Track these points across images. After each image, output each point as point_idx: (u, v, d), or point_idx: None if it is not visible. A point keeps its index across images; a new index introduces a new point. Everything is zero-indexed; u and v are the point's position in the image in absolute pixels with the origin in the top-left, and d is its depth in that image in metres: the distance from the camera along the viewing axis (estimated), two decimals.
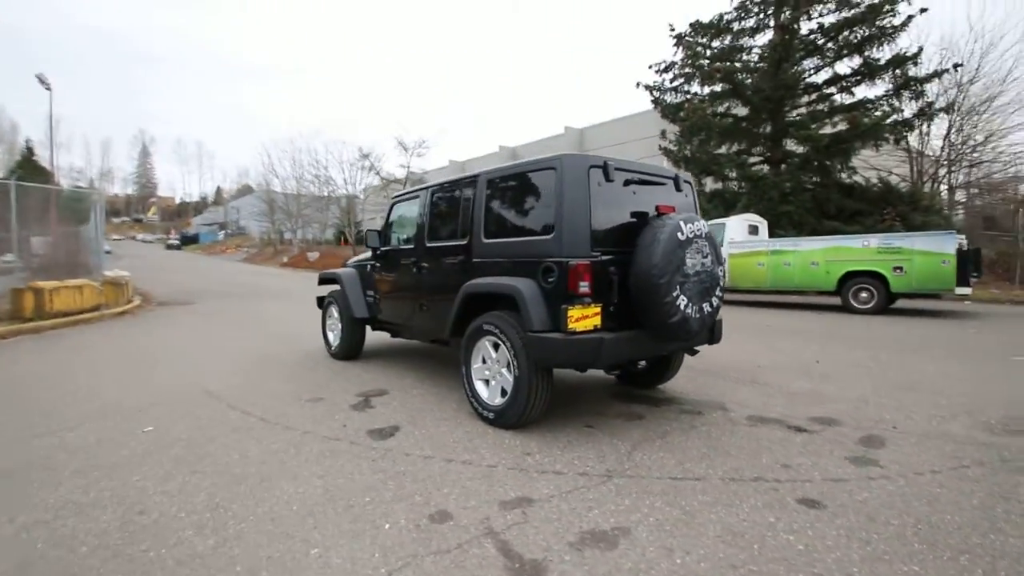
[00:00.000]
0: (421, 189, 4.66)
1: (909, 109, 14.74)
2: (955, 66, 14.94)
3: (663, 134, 18.64)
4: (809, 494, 2.57)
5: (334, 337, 5.88)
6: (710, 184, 18.24)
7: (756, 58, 17.66)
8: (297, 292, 15.60)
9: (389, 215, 5.11)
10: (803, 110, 16.47)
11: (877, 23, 14.87)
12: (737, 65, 16.99)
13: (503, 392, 3.52)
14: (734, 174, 16.68)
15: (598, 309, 3.14)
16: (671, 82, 18.95)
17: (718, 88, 17.04)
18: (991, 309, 10.83)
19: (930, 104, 14.74)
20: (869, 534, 2.21)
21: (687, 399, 4.21)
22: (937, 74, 14.69)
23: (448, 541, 2.17)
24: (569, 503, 2.48)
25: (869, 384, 4.67)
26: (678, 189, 3.77)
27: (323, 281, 6.21)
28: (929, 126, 16.81)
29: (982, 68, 17.18)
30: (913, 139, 17.86)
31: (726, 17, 18.08)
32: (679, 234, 3.18)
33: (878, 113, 14.63)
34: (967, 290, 8.55)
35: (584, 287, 3.08)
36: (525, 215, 3.50)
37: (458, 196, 4.11)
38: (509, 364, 3.40)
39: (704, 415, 3.80)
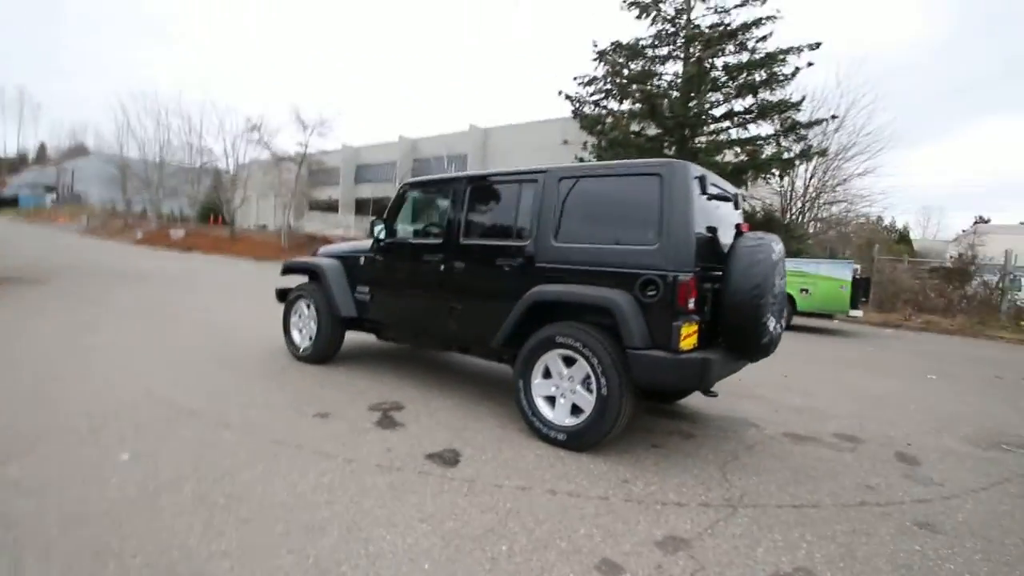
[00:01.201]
0: (452, 178, 4.16)
1: (794, 150, 16.89)
2: (832, 117, 17.48)
3: (585, 145, 19.24)
4: (917, 517, 2.67)
5: (302, 337, 5.06)
6: None
7: (666, 84, 19.00)
8: (176, 274, 13.47)
9: (399, 202, 4.49)
10: (707, 138, 18.06)
11: (772, 70, 16.80)
12: (654, 89, 18.11)
13: (573, 411, 3.24)
14: None
15: (696, 327, 3.02)
16: (591, 96, 19.65)
17: (636, 108, 18.01)
18: (861, 329, 12.74)
19: (809, 147, 17.06)
20: (1002, 554, 2.34)
21: (709, 414, 4.25)
22: (817, 122, 17.06)
23: None
24: (725, 541, 2.31)
25: (847, 400, 5.12)
26: (736, 207, 3.79)
27: (289, 271, 5.32)
28: (806, 166, 19.45)
29: (845, 121, 20.39)
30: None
31: (642, 42, 19.22)
32: (774, 255, 3.17)
33: (773, 150, 16.56)
34: (859, 312, 9.98)
35: (691, 304, 2.93)
36: (615, 222, 3.25)
37: (513, 191, 3.72)
38: (589, 381, 3.13)
39: (741, 432, 3.85)
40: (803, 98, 17.01)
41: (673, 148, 18.34)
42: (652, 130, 18.64)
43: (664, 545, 2.24)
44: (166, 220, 35.46)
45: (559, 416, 3.27)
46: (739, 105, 18.15)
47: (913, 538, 2.45)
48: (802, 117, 17.33)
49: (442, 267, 3.99)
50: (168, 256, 21.75)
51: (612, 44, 19.10)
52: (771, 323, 3.18)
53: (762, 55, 16.98)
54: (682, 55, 18.62)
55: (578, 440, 3.15)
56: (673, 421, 4.00)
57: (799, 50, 16.41)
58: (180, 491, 2.42)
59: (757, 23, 17.04)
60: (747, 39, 17.34)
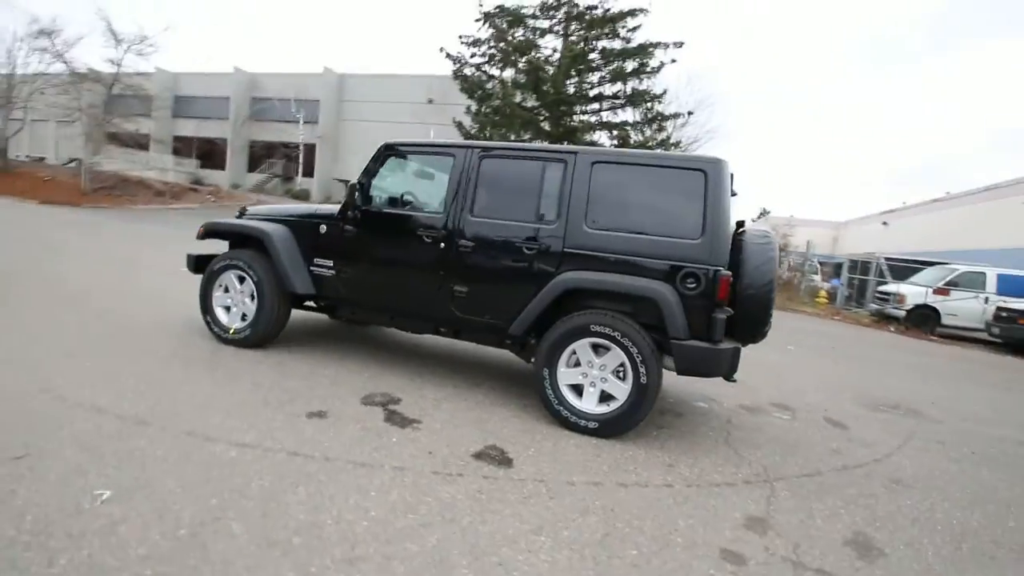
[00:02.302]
0: (457, 146, 3.74)
1: (657, 139, 18.58)
2: (689, 113, 19.57)
3: (468, 109, 18.75)
4: (885, 475, 3.26)
5: (232, 317, 4.21)
6: None
7: (545, 59, 19.34)
8: None
9: (378, 164, 3.91)
10: (583, 118, 18.93)
11: (642, 60, 18.12)
12: (538, 61, 18.29)
13: (602, 398, 3.26)
14: None
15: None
16: (472, 58, 19.15)
17: (520, 78, 18.04)
18: None
19: (668, 137, 18.95)
20: (960, 499, 3.00)
21: (669, 391, 4.57)
22: (676, 115, 18.95)
23: None
24: (789, 515, 2.57)
25: (754, 371, 5.94)
26: (734, 194, 4.02)
27: (212, 234, 4.34)
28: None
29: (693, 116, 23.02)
30: None
31: (523, 10, 19.19)
32: (776, 251, 3.50)
33: (638, 137, 18.03)
34: None
35: (727, 297, 3.11)
36: (654, 212, 3.25)
37: (534, 169, 3.50)
38: (623, 370, 3.17)
39: (710, 407, 4.26)
40: (664, 91, 18.72)
41: (547, 124, 18.91)
42: (530, 102, 18.92)
43: (751, 526, 2.42)
44: None
45: (588, 405, 3.27)
46: (609, 90, 19.31)
47: (899, 494, 3.00)
48: (661, 110, 19.12)
49: (442, 245, 3.62)
50: None
51: (497, 7, 18.72)
52: (773, 312, 3.53)
53: (635, 45, 18.18)
54: (562, 31, 19.06)
55: (611, 428, 3.19)
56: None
57: (666, 46, 17.91)
58: (231, 535, 1.89)
59: (632, 13, 18.12)
60: (621, 27, 18.38)
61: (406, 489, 2.36)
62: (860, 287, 16.87)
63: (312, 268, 4.07)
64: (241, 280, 4.18)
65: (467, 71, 19.15)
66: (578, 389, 3.32)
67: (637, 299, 3.17)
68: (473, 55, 19.11)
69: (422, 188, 4.06)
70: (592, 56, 18.58)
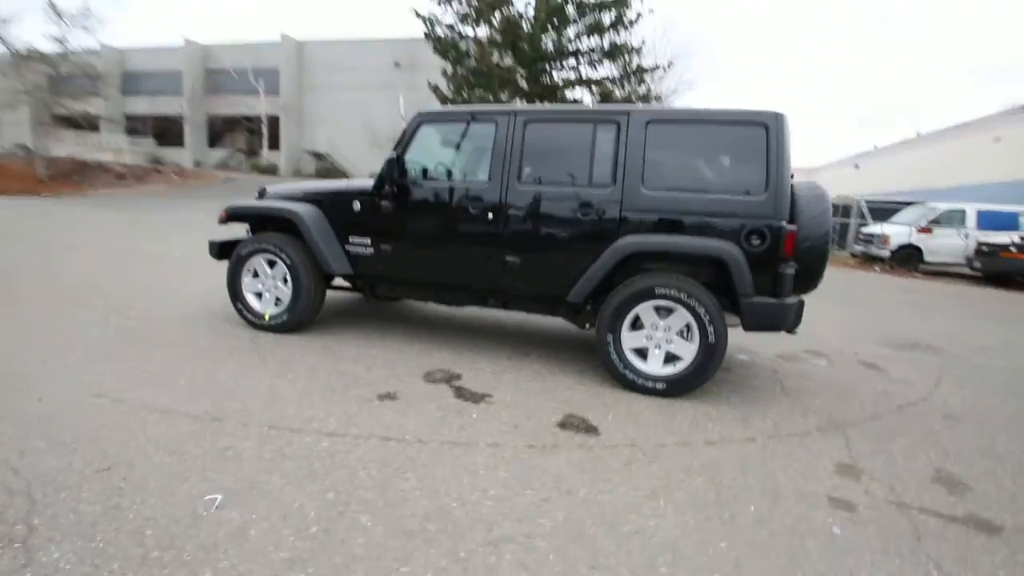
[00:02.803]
0: (498, 112, 3.57)
1: (638, 92, 18.30)
2: (668, 64, 19.26)
3: (444, 72, 18.07)
4: (937, 412, 3.39)
5: (265, 303, 4.06)
6: None
7: (518, 14, 18.66)
8: None
9: (412, 135, 3.72)
10: (563, 74, 18.48)
11: (619, 11, 17.63)
12: (514, 16, 17.61)
13: (667, 360, 3.28)
14: None
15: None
16: (444, 16, 18.35)
17: (496, 36, 17.39)
18: None
19: (649, 90, 18.70)
20: (1009, 431, 3.14)
21: None
22: (656, 68, 18.65)
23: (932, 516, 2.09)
24: (874, 460, 2.65)
25: None
26: None
27: (235, 218, 4.13)
28: None
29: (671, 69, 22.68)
30: None
31: None
32: (829, 203, 3.49)
33: (620, 92, 17.72)
34: None
35: (793, 252, 3.11)
36: (712, 170, 3.20)
37: (584, 132, 3.38)
38: (688, 331, 3.18)
39: (752, 359, 4.34)
40: (643, 42, 18.33)
41: (526, 82, 18.42)
42: (507, 61, 18.34)
43: (845, 473, 2.49)
44: None
45: (653, 367, 3.28)
46: (587, 45, 18.81)
47: (958, 430, 3.13)
48: (641, 63, 18.76)
49: (490, 215, 3.51)
50: None
51: None
52: None
53: None
54: None
55: (680, 387, 3.22)
56: None
57: None
58: (364, 528, 1.85)
59: None
60: None
61: (511, 465, 2.35)
62: (841, 230, 17.27)
63: (347, 247, 3.92)
64: (271, 264, 4.01)
65: (439, 31, 18.37)
66: (642, 352, 3.32)
67: (702, 259, 3.15)
68: (446, 13, 18.31)
69: (463, 157, 3.90)
70: (568, 9, 17.99)
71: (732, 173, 3.18)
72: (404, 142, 3.73)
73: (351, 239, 3.91)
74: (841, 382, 3.89)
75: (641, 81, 18.34)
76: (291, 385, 3.09)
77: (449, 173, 3.84)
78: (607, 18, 17.70)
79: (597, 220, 3.32)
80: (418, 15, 18.15)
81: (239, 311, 4.10)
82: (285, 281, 3.98)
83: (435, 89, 18.75)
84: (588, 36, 18.36)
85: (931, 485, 2.44)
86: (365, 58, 30.41)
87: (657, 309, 3.24)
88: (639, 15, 17.89)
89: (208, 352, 3.56)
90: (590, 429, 2.77)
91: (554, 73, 18.57)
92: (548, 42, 17.78)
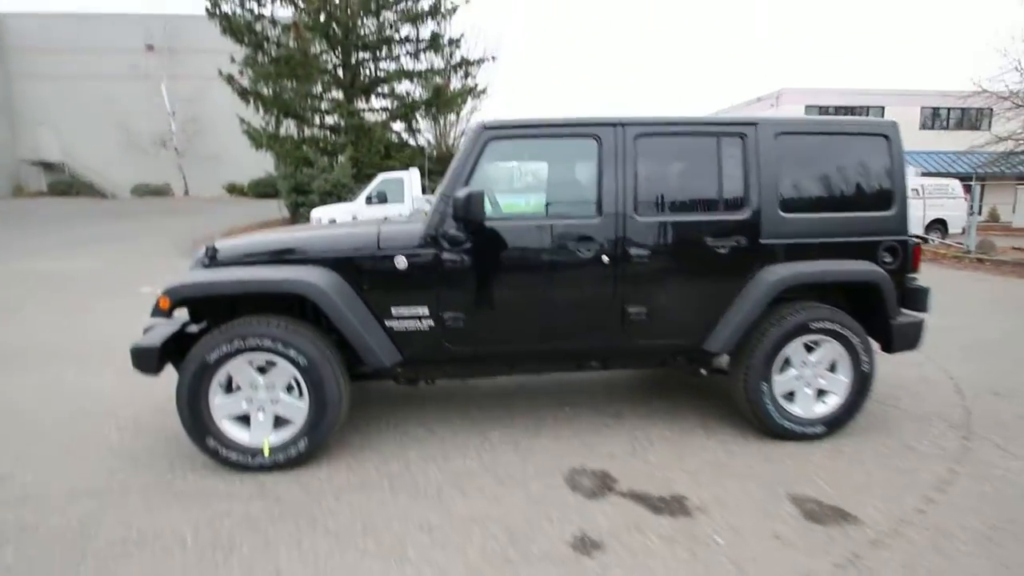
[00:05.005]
0: (599, 124, 2.70)
1: (467, 85, 17.77)
2: (492, 58, 18.98)
3: (244, 60, 14.96)
4: None
5: (258, 429, 2.57)
6: (292, 128, 16.33)
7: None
8: None
9: (477, 157, 2.64)
10: (385, 66, 16.96)
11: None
12: None
13: (816, 396, 2.97)
14: (332, 120, 15.60)
15: None
16: None
17: (306, 19, 15.03)
18: None
19: (476, 84, 18.33)
20: None
21: None
22: (482, 60, 18.27)
23: None
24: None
25: None
26: None
27: (188, 302, 2.50)
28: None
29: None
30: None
31: None
32: None
33: (457, 86, 17.00)
34: None
35: (919, 266, 3.06)
36: (841, 185, 2.92)
37: (705, 147, 2.78)
38: (841, 365, 2.91)
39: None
40: (462, 35, 17.89)
41: (344, 72, 16.60)
42: (319, 47, 16.15)
43: None
44: None
45: (806, 408, 2.94)
46: (403, 33, 17.68)
47: None
48: (466, 56, 18.28)
49: (605, 258, 2.71)
50: None
51: None
52: None
53: None
54: None
55: (836, 427, 2.95)
56: None
57: None
58: None
59: None
60: None
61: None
62: None
63: (389, 322, 2.69)
64: (261, 370, 2.54)
65: (227, 7, 15.19)
66: (790, 395, 2.95)
67: (850, 286, 2.89)
68: None
69: (552, 184, 2.95)
70: None
71: (861, 188, 2.96)
72: (466, 166, 2.65)
73: (394, 311, 2.68)
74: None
75: (468, 74, 17.93)
76: (405, 569, 1.92)
77: (534, 205, 2.88)
78: (424, 3, 16.81)
79: (733, 252, 2.81)
80: None
81: (211, 452, 2.52)
82: (290, 390, 2.57)
83: (229, 79, 15.56)
84: (405, 24, 17.23)
85: None
86: (106, 39, 23.92)
87: (809, 346, 2.91)
88: (455, 6, 17.40)
89: (226, 517, 2.05)
90: (830, 516, 2.27)
91: (377, 64, 17.00)
92: (366, 28, 16.13)
